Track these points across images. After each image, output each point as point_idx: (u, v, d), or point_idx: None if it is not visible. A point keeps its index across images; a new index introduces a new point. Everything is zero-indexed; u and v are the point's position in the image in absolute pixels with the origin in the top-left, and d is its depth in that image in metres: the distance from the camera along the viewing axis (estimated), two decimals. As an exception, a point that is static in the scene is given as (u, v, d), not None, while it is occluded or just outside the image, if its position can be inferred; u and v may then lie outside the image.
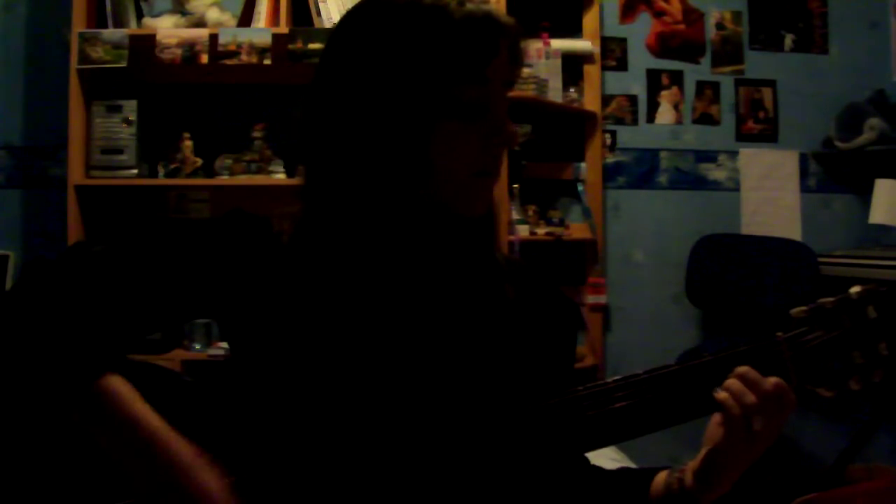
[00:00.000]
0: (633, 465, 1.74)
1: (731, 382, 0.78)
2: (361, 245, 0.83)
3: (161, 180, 2.74)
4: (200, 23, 2.71)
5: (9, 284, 2.70)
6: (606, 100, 3.16)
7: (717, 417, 0.81)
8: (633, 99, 3.19)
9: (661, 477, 0.88)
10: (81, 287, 0.80)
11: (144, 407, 0.75)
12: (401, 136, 0.80)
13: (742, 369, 0.79)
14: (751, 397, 0.77)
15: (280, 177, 2.72)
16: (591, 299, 3.05)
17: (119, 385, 0.75)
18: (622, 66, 3.19)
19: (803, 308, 0.81)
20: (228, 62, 2.61)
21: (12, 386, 0.78)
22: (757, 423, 0.77)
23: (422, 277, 0.86)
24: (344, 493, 0.76)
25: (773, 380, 0.78)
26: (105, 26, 2.65)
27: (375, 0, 0.83)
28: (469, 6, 0.80)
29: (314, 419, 0.79)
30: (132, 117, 2.64)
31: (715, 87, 3.21)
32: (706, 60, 3.22)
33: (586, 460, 0.93)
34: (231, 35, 2.62)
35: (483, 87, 0.81)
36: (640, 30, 3.20)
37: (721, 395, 0.78)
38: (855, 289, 0.81)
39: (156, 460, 0.72)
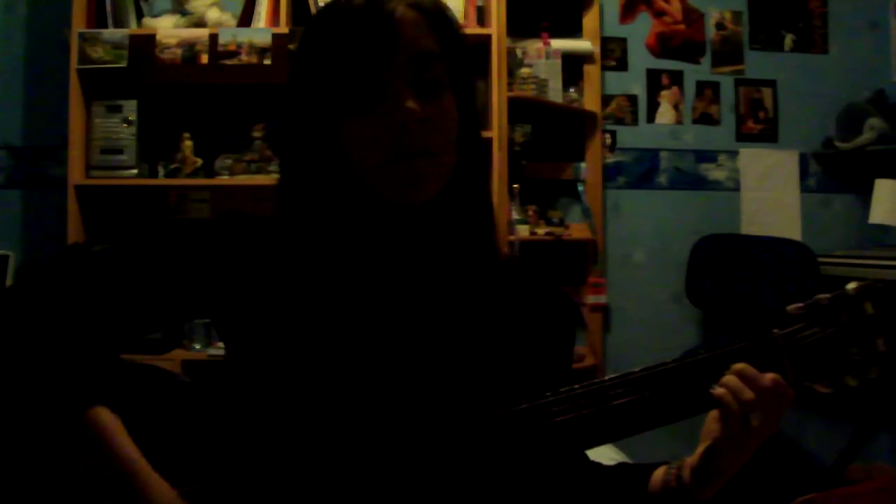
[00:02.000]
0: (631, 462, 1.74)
1: (729, 379, 0.78)
2: (327, 243, 0.84)
3: (161, 180, 2.74)
4: (200, 23, 2.71)
5: (9, 284, 2.71)
6: (606, 100, 3.16)
7: (714, 414, 0.81)
8: (633, 99, 3.19)
9: (660, 472, 0.87)
10: (75, 293, 0.80)
11: (128, 441, 0.75)
12: (315, 134, 0.83)
13: (739, 366, 0.78)
14: (749, 394, 0.77)
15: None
16: (591, 299, 3.05)
17: (105, 418, 0.75)
18: (622, 66, 3.19)
19: (800, 304, 0.81)
20: (228, 62, 2.61)
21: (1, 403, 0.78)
22: (755, 419, 0.77)
23: (399, 273, 0.86)
24: (336, 493, 0.76)
25: (770, 376, 0.78)
26: (105, 26, 2.65)
27: None
28: None
29: (303, 418, 0.79)
30: (132, 117, 2.64)
31: (715, 87, 3.21)
32: (706, 60, 3.22)
33: (585, 456, 0.92)
34: (231, 35, 2.62)
35: (375, 75, 0.80)
36: (640, 30, 3.20)
37: (718, 391, 0.78)
38: (852, 285, 0.80)
39: (134, 496, 0.72)
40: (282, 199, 0.87)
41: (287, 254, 0.84)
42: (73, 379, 0.75)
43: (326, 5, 0.85)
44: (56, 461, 0.76)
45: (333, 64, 0.81)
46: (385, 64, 0.80)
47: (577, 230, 3.04)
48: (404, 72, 0.80)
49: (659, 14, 3.21)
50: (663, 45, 3.21)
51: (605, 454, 1.51)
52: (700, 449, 0.83)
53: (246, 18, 2.71)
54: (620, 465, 0.94)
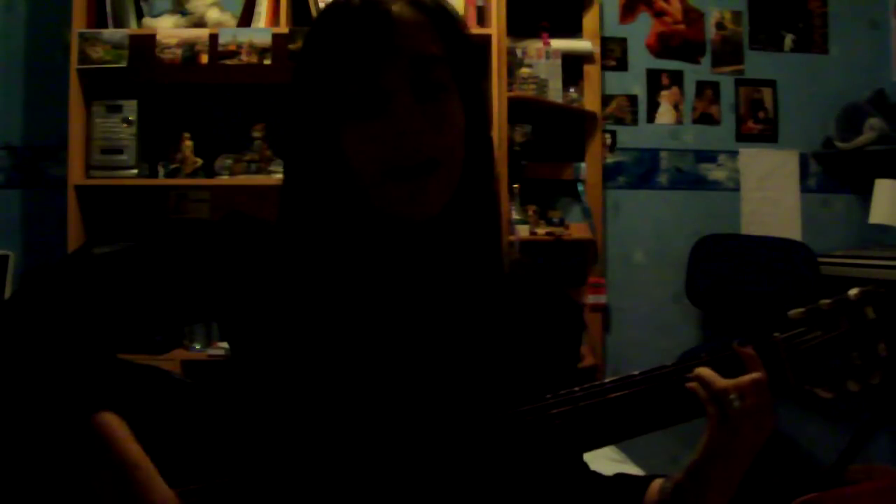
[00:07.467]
0: (632, 465, 1.74)
1: (701, 370, 0.80)
2: (331, 252, 0.83)
3: (161, 180, 2.75)
4: (200, 23, 2.71)
5: (9, 284, 2.70)
6: (606, 100, 3.16)
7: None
8: (633, 99, 3.19)
9: (656, 485, 0.87)
10: (80, 299, 0.80)
11: (133, 445, 0.75)
12: (318, 139, 0.82)
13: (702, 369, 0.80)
14: (720, 383, 0.78)
15: (280, 177, 2.71)
16: (591, 299, 3.05)
17: (112, 422, 0.75)
18: (622, 66, 3.19)
19: (801, 309, 0.81)
20: (228, 62, 2.61)
21: (8, 408, 0.78)
22: (732, 410, 0.77)
23: (403, 284, 0.85)
24: (336, 495, 0.76)
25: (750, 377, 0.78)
26: (105, 26, 2.65)
27: None
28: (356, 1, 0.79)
29: (306, 422, 0.79)
30: (132, 117, 2.64)
31: (715, 87, 3.21)
32: (706, 60, 3.22)
33: (585, 466, 0.92)
34: (231, 35, 2.62)
35: (374, 81, 0.77)
36: (640, 30, 3.20)
37: (690, 384, 0.79)
38: (853, 290, 0.81)
39: (133, 498, 0.73)
40: (286, 204, 0.87)
41: (291, 260, 0.84)
42: (81, 384, 0.76)
43: (326, 6, 0.83)
44: (62, 464, 0.77)
45: (333, 68, 0.79)
46: (384, 69, 0.77)
47: (577, 230, 3.04)
48: (405, 76, 0.78)
49: (659, 14, 3.21)
50: (663, 45, 3.21)
51: (604, 453, 1.51)
52: (691, 459, 0.83)
53: (246, 18, 2.71)
54: (619, 476, 0.93)
